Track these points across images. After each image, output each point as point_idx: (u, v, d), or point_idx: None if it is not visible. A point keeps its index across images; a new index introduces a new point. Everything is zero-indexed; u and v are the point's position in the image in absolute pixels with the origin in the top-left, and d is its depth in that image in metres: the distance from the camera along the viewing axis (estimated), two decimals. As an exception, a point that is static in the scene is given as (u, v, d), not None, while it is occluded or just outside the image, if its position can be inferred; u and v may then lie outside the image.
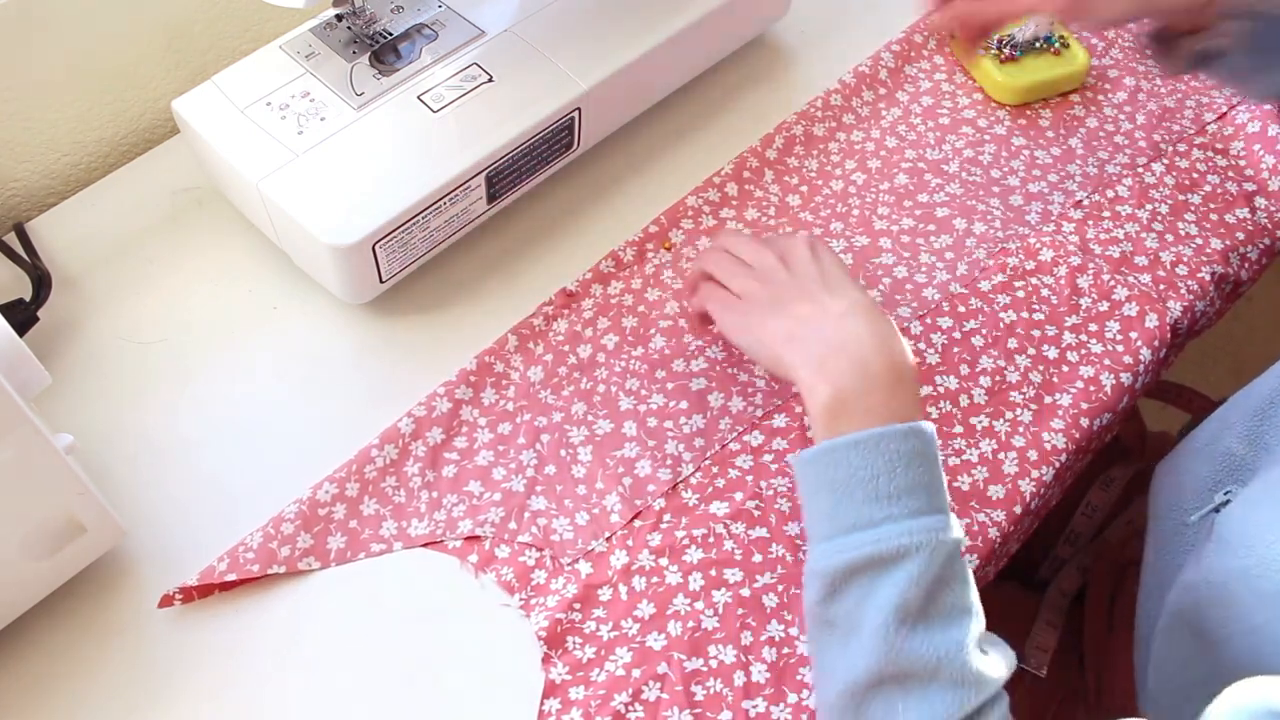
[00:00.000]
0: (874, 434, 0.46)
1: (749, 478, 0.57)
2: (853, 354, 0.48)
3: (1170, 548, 0.58)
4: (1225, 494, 0.51)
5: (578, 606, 0.52)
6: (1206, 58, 0.58)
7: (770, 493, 0.56)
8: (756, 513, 0.55)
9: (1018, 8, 0.60)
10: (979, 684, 0.43)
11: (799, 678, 0.50)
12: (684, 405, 0.59)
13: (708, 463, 0.57)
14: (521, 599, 0.53)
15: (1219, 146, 0.72)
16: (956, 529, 0.46)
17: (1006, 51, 0.75)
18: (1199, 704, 0.37)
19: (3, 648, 0.51)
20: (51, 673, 0.51)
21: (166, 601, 0.52)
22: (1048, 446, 0.58)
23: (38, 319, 0.61)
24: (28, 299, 0.61)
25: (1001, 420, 0.59)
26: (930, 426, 0.48)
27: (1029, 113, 0.74)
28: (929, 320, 0.63)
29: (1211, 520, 0.50)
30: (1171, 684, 0.53)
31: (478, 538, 0.55)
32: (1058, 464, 0.58)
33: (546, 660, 0.51)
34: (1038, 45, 0.75)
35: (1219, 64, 0.58)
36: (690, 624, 0.52)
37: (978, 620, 0.45)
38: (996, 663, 0.44)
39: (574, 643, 0.51)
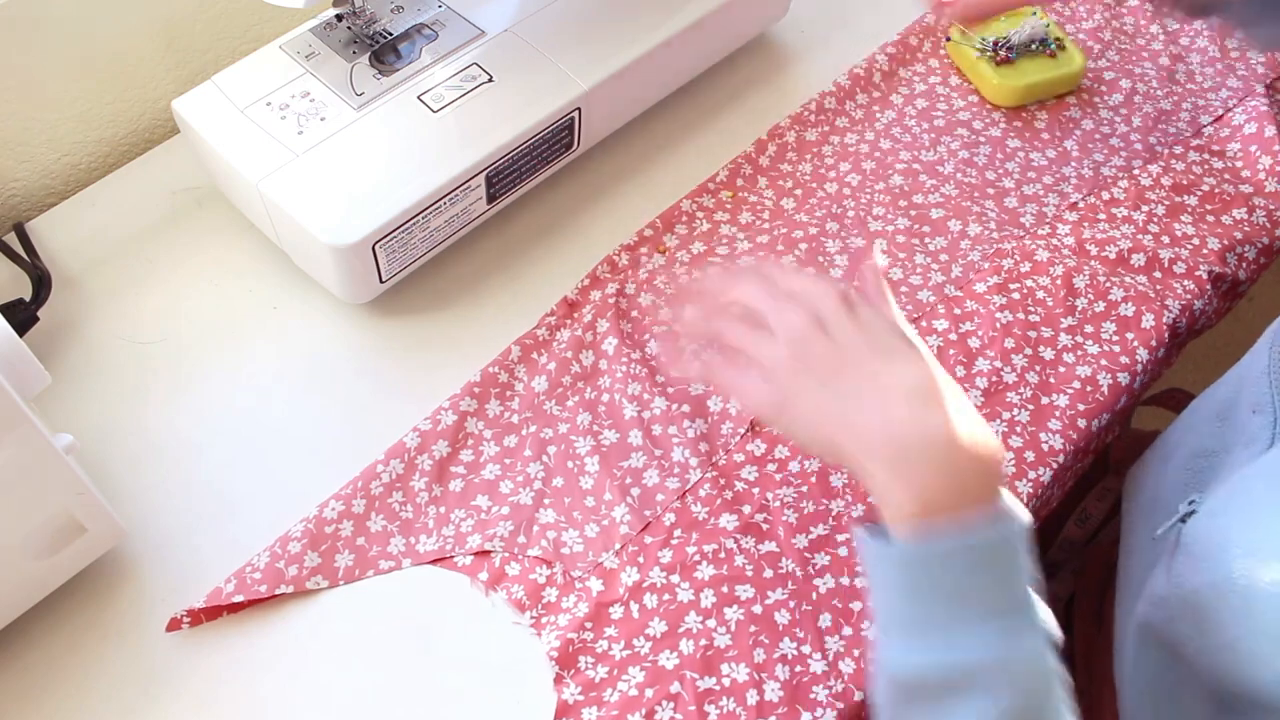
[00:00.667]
0: (950, 543, 0.40)
1: (755, 490, 0.57)
2: (932, 443, 0.41)
3: (1140, 558, 0.57)
4: (1190, 504, 0.50)
5: (589, 625, 0.52)
6: (1211, 6, 0.56)
7: (777, 504, 0.56)
8: (765, 526, 0.55)
9: None
10: None
11: (812, 696, 0.50)
12: (686, 409, 0.59)
13: (714, 474, 0.57)
14: (532, 617, 0.53)
15: (1215, 148, 0.73)
16: (1047, 652, 0.41)
17: (1002, 53, 0.75)
18: (1186, 706, 0.37)
19: (3, 648, 0.51)
20: (51, 673, 0.51)
21: (174, 625, 0.52)
22: (1045, 447, 0.58)
23: (38, 319, 0.61)
24: (28, 299, 0.61)
25: (998, 421, 0.59)
26: (1020, 521, 0.41)
27: (1024, 115, 0.75)
28: (924, 322, 0.63)
29: (1179, 531, 0.49)
30: (1144, 695, 0.52)
31: (487, 553, 0.54)
32: (1055, 465, 0.58)
33: (559, 680, 0.51)
34: (1034, 47, 0.75)
35: (1224, 11, 0.55)
36: (703, 642, 0.52)
37: None
38: None
39: (586, 662, 0.51)
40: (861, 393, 0.43)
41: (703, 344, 0.51)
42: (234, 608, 0.53)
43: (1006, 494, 0.42)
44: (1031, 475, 0.57)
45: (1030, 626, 0.41)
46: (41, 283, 0.62)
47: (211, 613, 0.52)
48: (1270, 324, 0.55)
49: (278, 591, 0.53)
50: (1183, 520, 0.50)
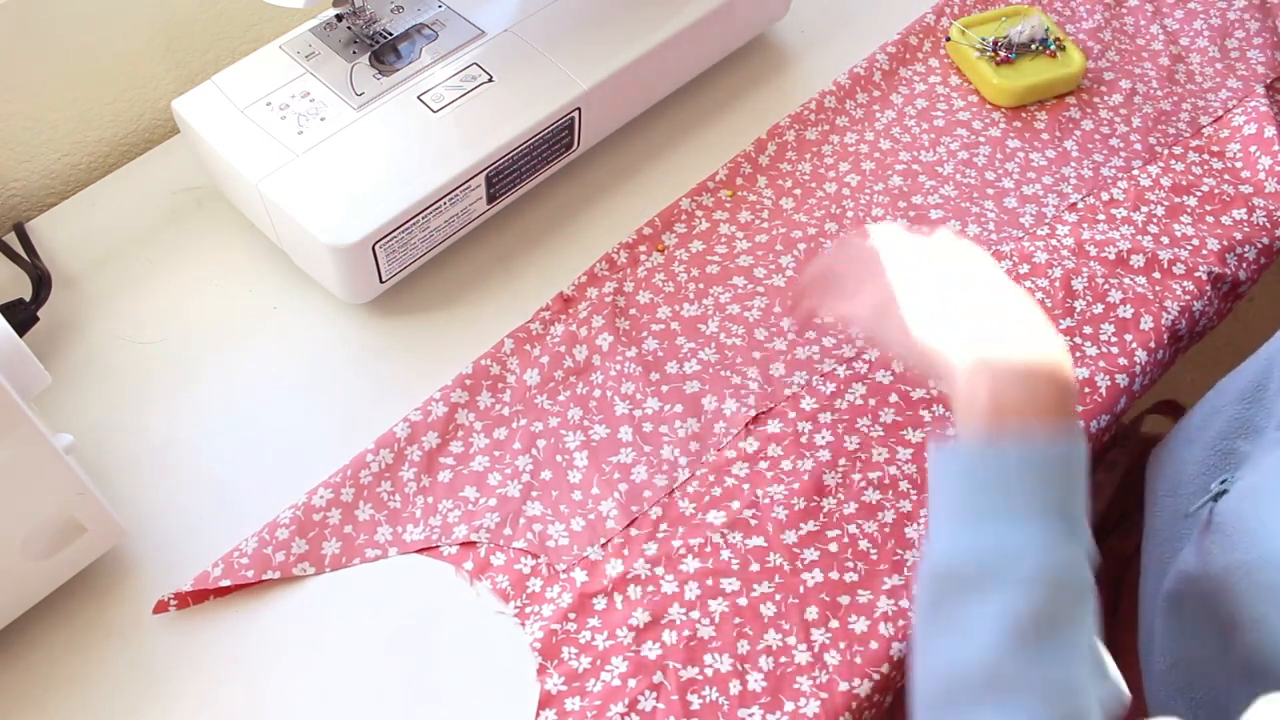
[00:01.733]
0: (1016, 445, 0.43)
1: (745, 486, 0.57)
2: (1017, 359, 0.44)
3: (1167, 536, 0.58)
4: (1221, 483, 0.51)
5: (573, 616, 0.52)
6: None
7: (766, 501, 0.56)
8: (753, 521, 0.56)
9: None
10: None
11: (795, 686, 0.51)
12: (679, 409, 0.60)
13: (704, 471, 0.57)
14: (516, 607, 0.53)
15: (1215, 149, 0.73)
16: (1087, 561, 0.43)
17: (1002, 54, 0.75)
18: (1214, 678, 0.37)
19: (3, 648, 0.51)
20: (51, 673, 0.51)
21: (161, 607, 0.52)
22: (1044, 448, 0.58)
23: (38, 319, 0.61)
24: (28, 299, 0.61)
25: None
26: (1081, 437, 0.44)
27: (1024, 115, 0.75)
28: (926, 322, 0.63)
29: (1210, 509, 0.50)
30: (1171, 671, 0.53)
31: (473, 544, 0.55)
32: (1053, 465, 0.58)
33: (542, 671, 0.51)
34: (1034, 48, 0.75)
35: None
36: (686, 633, 0.52)
37: (1092, 657, 0.42)
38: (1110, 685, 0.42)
39: (569, 653, 0.51)
40: (974, 307, 0.46)
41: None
42: (221, 591, 0.53)
43: (1075, 421, 0.44)
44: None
45: (1074, 537, 0.42)
46: (41, 283, 0.62)
47: (199, 596, 0.53)
48: None
49: (264, 577, 0.53)
50: (1214, 499, 0.50)
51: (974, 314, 0.47)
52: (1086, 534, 0.44)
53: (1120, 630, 0.63)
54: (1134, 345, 0.63)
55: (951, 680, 0.43)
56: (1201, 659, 0.49)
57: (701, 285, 0.65)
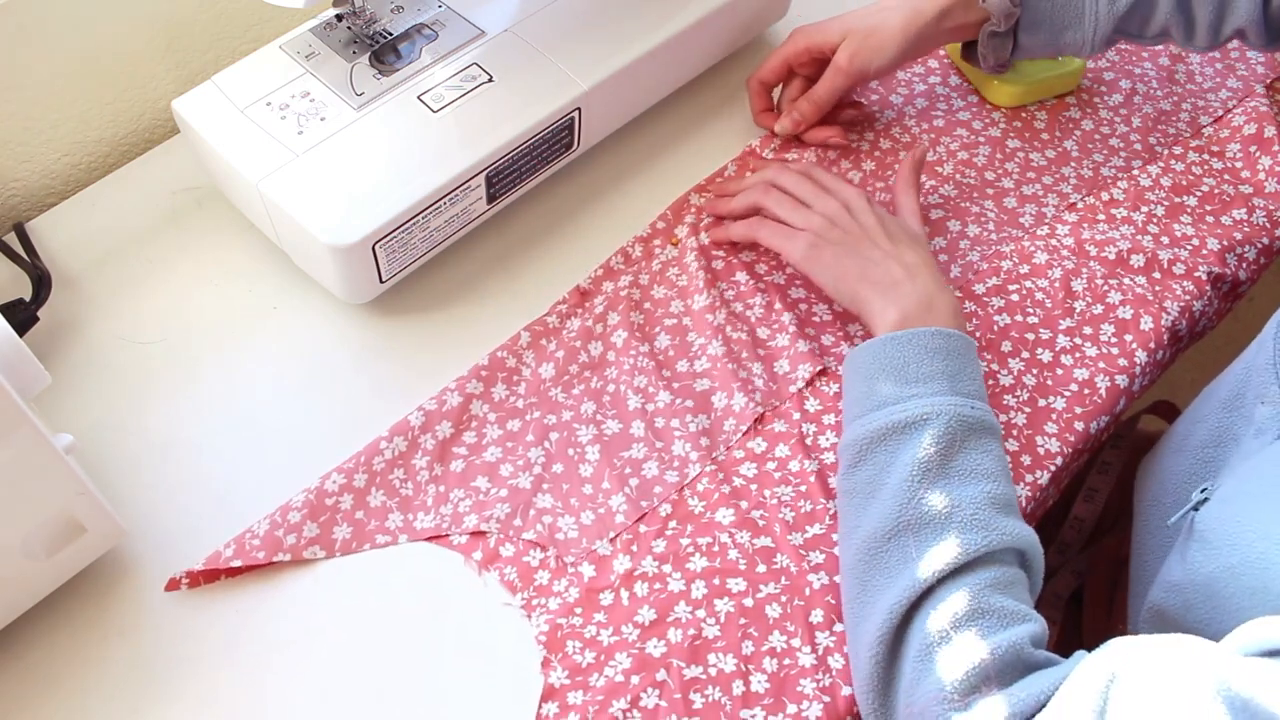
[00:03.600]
0: (909, 331, 0.54)
1: (753, 486, 0.57)
2: (921, 291, 0.56)
3: (1151, 547, 0.58)
4: (1202, 492, 0.52)
5: (579, 610, 0.52)
6: (999, 46, 0.68)
7: (774, 501, 0.56)
8: (761, 522, 0.56)
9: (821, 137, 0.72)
10: (989, 529, 0.47)
11: (799, 689, 0.51)
12: (690, 404, 0.60)
13: (713, 469, 0.57)
14: (523, 599, 0.53)
15: (1215, 149, 0.73)
16: (984, 413, 0.51)
17: (1004, 54, 0.75)
18: None
19: (3, 648, 0.51)
20: (52, 673, 0.51)
21: (173, 585, 0.53)
22: (1042, 451, 0.58)
23: (38, 319, 0.61)
24: (28, 299, 0.61)
25: (997, 422, 0.59)
26: (970, 340, 0.55)
27: (1024, 115, 0.75)
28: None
29: (1191, 519, 0.51)
30: None
31: (483, 533, 0.55)
32: (1053, 468, 0.58)
33: (546, 664, 0.51)
34: (1035, 47, 0.75)
35: (1009, 43, 0.68)
36: (691, 631, 0.52)
37: (997, 483, 0.49)
38: (1013, 523, 0.48)
39: (574, 647, 0.52)
40: (880, 259, 0.58)
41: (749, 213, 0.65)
42: (231, 571, 0.53)
43: (959, 324, 0.56)
44: (1029, 479, 0.58)
45: (963, 394, 0.52)
46: (41, 283, 0.62)
47: (210, 575, 0.53)
48: (1274, 316, 0.55)
49: (275, 559, 0.53)
50: (1195, 508, 0.51)
51: (884, 258, 0.58)
52: (984, 405, 0.52)
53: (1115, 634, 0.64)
54: (1134, 346, 0.63)
55: (871, 538, 0.49)
56: None
57: (709, 276, 0.65)
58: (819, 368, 0.61)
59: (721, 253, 0.66)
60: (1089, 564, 0.72)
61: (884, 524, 0.48)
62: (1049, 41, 0.68)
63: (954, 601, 0.45)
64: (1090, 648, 0.64)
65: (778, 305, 0.64)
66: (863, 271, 0.58)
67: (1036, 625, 0.45)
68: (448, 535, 0.55)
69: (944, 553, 0.46)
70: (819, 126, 0.71)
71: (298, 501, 0.55)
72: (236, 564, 0.53)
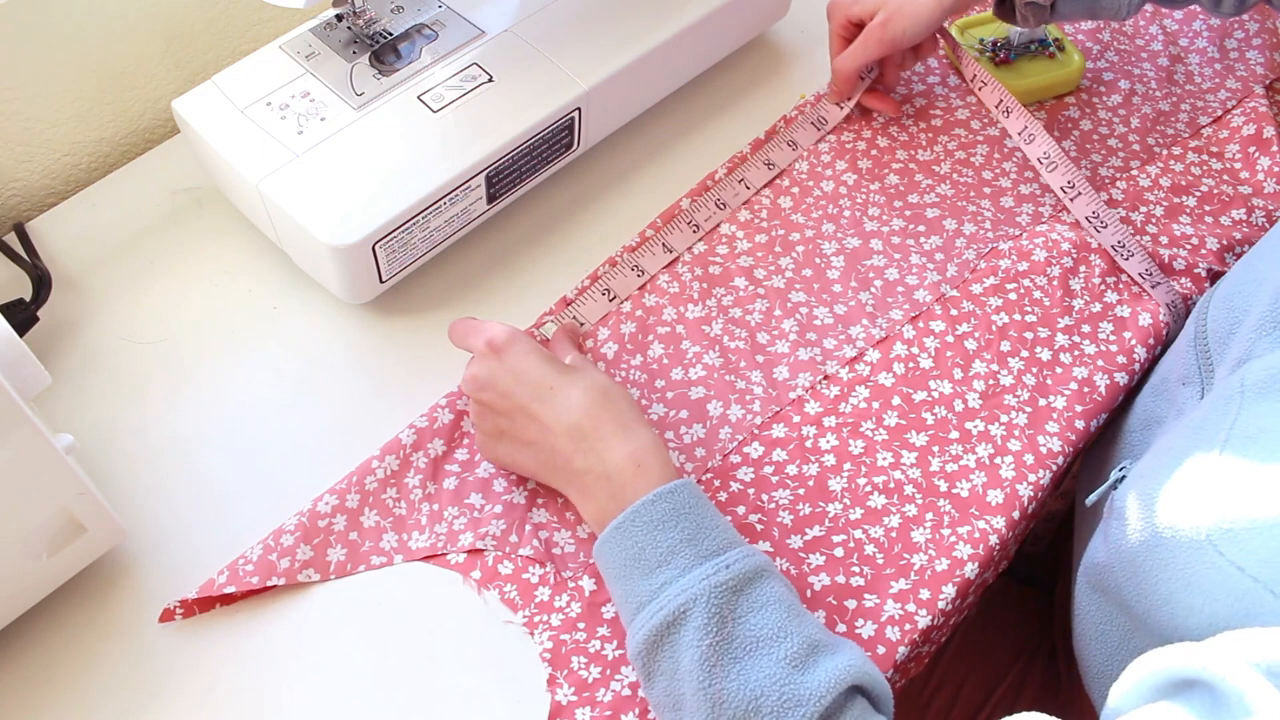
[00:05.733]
0: (623, 518, 0.48)
1: (750, 490, 0.57)
2: (607, 458, 0.50)
3: (1082, 526, 0.59)
4: (1120, 470, 0.52)
5: (582, 625, 0.52)
6: (1038, 9, 0.67)
7: (772, 506, 0.56)
8: (759, 527, 0.55)
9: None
10: (802, 702, 0.43)
11: None
12: (684, 415, 0.59)
13: (709, 475, 0.57)
14: (525, 616, 0.53)
15: (1214, 150, 0.73)
16: (738, 560, 0.46)
17: (1001, 55, 0.75)
18: (1118, 671, 0.38)
19: (3, 648, 0.51)
20: (51, 673, 0.51)
21: (167, 616, 0.52)
22: (1044, 450, 0.59)
23: (38, 319, 0.61)
24: (28, 299, 0.61)
25: (997, 425, 0.59)
26: (682, 481, 0.49)
27: (1025, 115, 0.75)
28: (921, 323, 0.63)
29: (1110, 498, 0.50)
30: (1097, 654, 0.53)
31: (480, 552, 0.55)
32: (1054, 467, 0.58)
33: (552, 681, 0.51)
34: (1033, 48, 0.76)
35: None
36: None
37: (787, 641, 0.45)
38: (824, 670, 0.44)
39: (579, 662, 0.51)
40: (532, 437, 0.52)
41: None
42: (226, 599, 0.53)
43: (663, 466, 0.50)
44: (1032, 479, 0.58)
45: (707, 554, 0.47)
46: (41, 283, 0.62)
47: (204, 604, 0.53)
48: (1199, 299, 0.56)
49: (269, 584, 0.53)
50: (1114, 486, 0.51)
51: (541, 434, 0.51)
52: (734, 552, 0.47)
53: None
54: (1133, 343, 0.63)
55: None
56: (1118, 643, 0.49)
57: (705, 285, 0.65)
58: (819, 376, 0.61)
59: (719, 258, 0.66)
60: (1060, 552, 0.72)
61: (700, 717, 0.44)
62: (1088, 6, 0.67)
63: None
64: (1060, 643, 0.64)
65: (778, 311, 0.64)
66: (540, 461, 0.52)
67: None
68: (444, 554, 0.55)
69: None
70: (871, 94, 0.72)
71: (290, 524, 0.54)
72: (230, 590, 0.52)
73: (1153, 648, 0.37)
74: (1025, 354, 0.62)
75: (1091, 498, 0.53)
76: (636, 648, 0.46)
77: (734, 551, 0.47)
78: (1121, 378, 0.62)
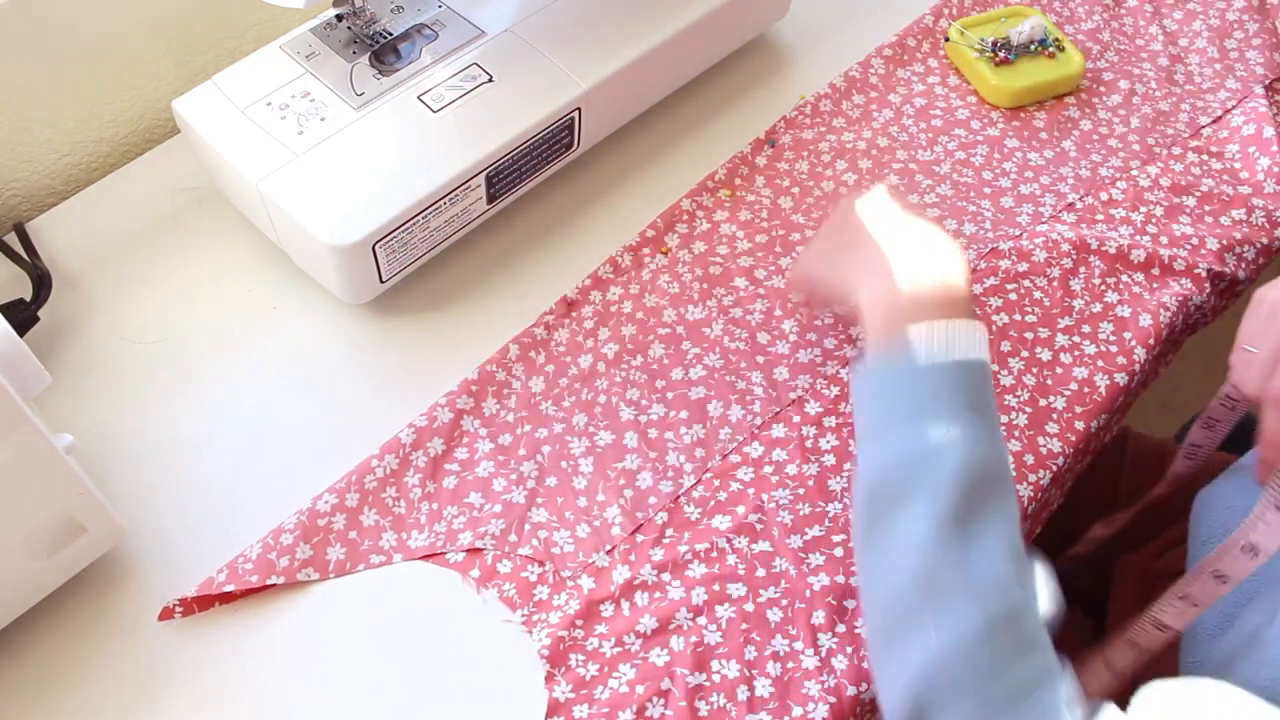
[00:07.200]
0: (931, 364, 0.47)
1: (750, 490, 0.57)
2: (912, 292, 0.50)
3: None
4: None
5: (580, 623, 0.52)
6: None
7: (772, 505, 0.56)
8: (759, 526, 0.55)
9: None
10: (1005, 593, 0.43)
11: (803, 691, 0.51)
12: (684, 415, 0.59)
13: (709, 475, 0.57)
14: (524, 615, 0.53)
15: (1214, 150, 0.73)
16: (999, 448, 0.47)
17: (1001, 54, 0.75)
18: None
19: (3, 648, 0.51)
20: (51, 673, 0.51)
21: (167, 615, 0.52)
22: (1044, 451, 0.59)
23: (38, 319, 0.61)
24: (28, 299, 0.61)
25: (997, 422, 0.59)
26: (984, 347, 0.49)
27: (1023, 115, 0.75)
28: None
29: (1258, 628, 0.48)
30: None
31: (479, 551, 0.55)
32: (1055, 468, 0.58)
33: (550, 678, 0.51)
34: (1032, 48, 0.75)
35: None
36: (693, 639, 0.52)
37: (1013, 534, 0.45)
38: (1034, 587, 0.45)
39: (577, 660, 0.51)
40: (866, 251, 0.52)
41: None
42: (226, 597, 0.53)
43: (975, 330, 0.49)
44: (1031, 479, 0.58)
45: (986, 430, 0.47)
46: (41, 283, 0.62)
47: (204, 602, 0.53)
48: None
49: (269, 582, 0.53)
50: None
51: (864, 245, 0.52)
52: (998, 427, 0.48)
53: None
54: (1133, 343, 0.63)
55: (890, 601, 0.46)
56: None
57: (705, 286, 0.65)
58: (819, 379, 0.60)
59: (719, 258, 0.66)
60: (1118, 571, 0.70)
61: (903, 592, 0.45)
62: None
63: (979, 661, 0.43)
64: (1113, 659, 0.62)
65: (778, 311, 0.64)
66: (852, 274, 0.53)
67: (1068, 682, 0.43)
68: (443, 553, 0.55)
69: (967, 615, 0.43)
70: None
71: (289, 523, 0.54)
72: (230, 588, 0.52)
73: None
74: (1025, 354, 0.62)
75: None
76: (875, 479, 0.47)
77: (997, 425, 0.48)
78: (1121, 378, 0.62)
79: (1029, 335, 0.63)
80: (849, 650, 0.52)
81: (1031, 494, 0.57)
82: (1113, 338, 0.63)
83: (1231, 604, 0.54)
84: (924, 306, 0.49)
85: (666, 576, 0.54)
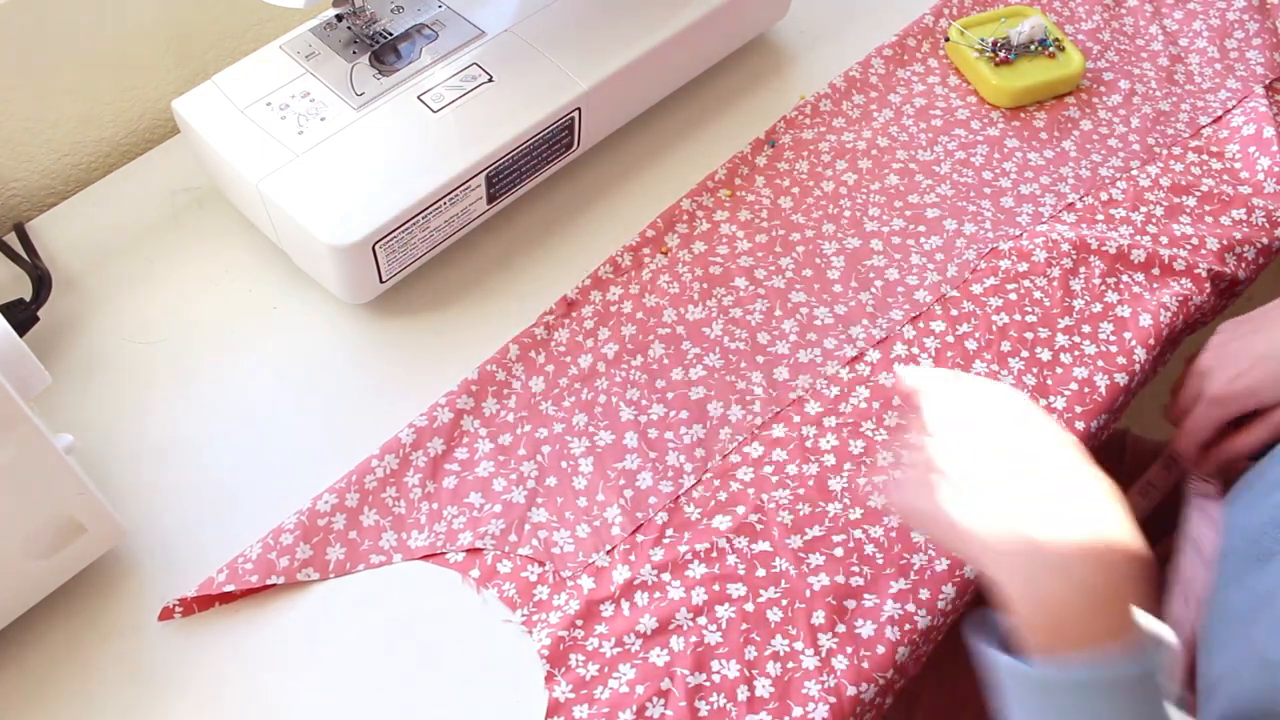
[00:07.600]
0: (1099, 685, 0.39)
1: (750, 490, 0.57)
2: (1058, 557, 0.39)
3: (1232, 602, 0.51)
4: None
5: (580, 623, 0.52)
6: None
7: (772, 505, 0.56)
8: (759, 526, 0.55)
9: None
10: None
11: (803, 691, 0.51)
12: (684, 415, 0.59)
13: (709, 475, 0.57)
14: (524, 615, 0.53)
15: (1214, 150, 0.73)
16: None
17: (1001, 54, 0.75)
18: None
19: (3, 648, 0.51)
20: (51, 673, 0.51)
21: (167, 614, 0.52)
22: (1043, 448, 0.58)
23: (38, 319, 0.61)
24: (28, 299, 0.61)
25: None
26: (1165, 647, 0.40)
27: (1023, 115, 0.75)
28: (922, 324, 0.63)
29: None
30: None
31: (479, 551, 0.55)
32: (1053, 465, 0.58)
33: (550, 678, 0.51)
34: (1033, 48, 0.75)
35: None
36: (693, 639, 0.52)
37: None
38: None
39: (577, 660, 0.51)
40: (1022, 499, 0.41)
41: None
42: (226, 597, 0.53)
43: (1142, 615, 0.40)
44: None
45: None
46: (41, 283, 0.62)
47: (204, 602, 0.53)
48: None
49: (269, 582, 0.53)
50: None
51: (1010, 489, 0.41)
52: None
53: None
54: (1133, 343, 0.63)
55: None
56: None
57: (705, 285, 0.65)
58: (819, 379, 0.61)
59: (719, 258, 0.66)
60: None
61: None
62: None
63: None
64: None
65: (778, 312, 0.64)
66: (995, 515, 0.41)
67: None
68: (443, 553, 0.55)
69: None
70: None
71: (289, 523, 0.54)
72: (230, 588, 0.52)
73: None
74: (1025, 354, 0.62)
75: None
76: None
77: None
78: (1121, 378, 0.62)
79: (1029, 335, 0.63)
80: (849, 650, 0.52)
81: (1031, 494, 0.57)
82: (1113, 338, 0.63)
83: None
84: (1099, 617, 0.39)
85: (666, 576, 0.54)
